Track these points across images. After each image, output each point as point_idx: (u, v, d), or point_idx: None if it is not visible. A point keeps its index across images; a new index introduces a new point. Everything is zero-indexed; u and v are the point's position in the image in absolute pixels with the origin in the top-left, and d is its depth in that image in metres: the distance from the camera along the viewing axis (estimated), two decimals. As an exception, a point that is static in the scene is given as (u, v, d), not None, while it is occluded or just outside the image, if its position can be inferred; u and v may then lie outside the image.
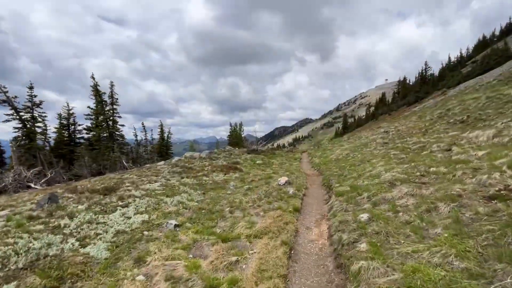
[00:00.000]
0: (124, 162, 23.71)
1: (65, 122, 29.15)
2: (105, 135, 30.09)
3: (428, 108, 33.50)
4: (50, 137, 26.41)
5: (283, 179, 10.47)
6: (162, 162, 16.79)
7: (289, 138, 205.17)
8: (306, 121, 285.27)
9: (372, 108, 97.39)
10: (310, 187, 11.23)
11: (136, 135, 29.40)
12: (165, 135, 41.01)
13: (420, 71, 72.29)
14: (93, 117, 29.86)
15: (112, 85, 30.46)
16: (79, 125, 30.12)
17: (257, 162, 17.73)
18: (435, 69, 73.25)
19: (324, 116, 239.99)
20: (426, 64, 73.99)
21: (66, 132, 29.48)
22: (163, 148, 39.94)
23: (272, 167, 16.23)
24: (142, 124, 29.66)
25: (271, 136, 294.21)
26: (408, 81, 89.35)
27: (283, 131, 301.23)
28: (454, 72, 60.64)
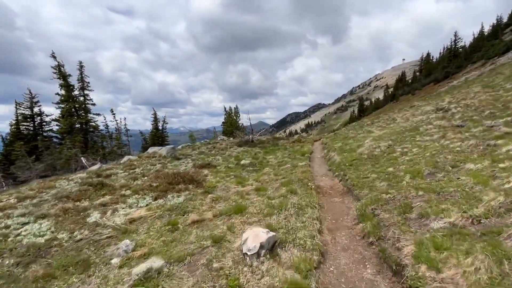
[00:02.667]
0: (84, 161, 17.65)
1: (28, 112, 23.44)
2: (77, 126, 24.30)
3: (476, 79, 24.84)
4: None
5: (253, 239, 3.56)
6: (95, 167, 10.38)
7: (301, 124, 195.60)
8: (318, 106, 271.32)
9: (391, 89, 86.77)
10: (333, 249, 4.25)
11: (107, 126, 23.19)
12: (160, 124, 35.04)
13: (450, 44, 60.89)
14: (62, 105, 24.01)
15: (81, 66, 24.26)
16: (47, 115, 24.37)
17: (242, 162, 10.84)
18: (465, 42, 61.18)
19: (337, 100, 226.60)
20: (455, 35, 62.42)
21: (31, 125, 23.86)
22: (156, 139, 34.06)
23: (261, 173, 9.30)
24: (111, 111, 23.35)
25: (283, 123, 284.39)
26: (431, 58, 78.05)
27: (295, 117, 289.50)
28: (494, 41, 49.60)
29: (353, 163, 9.07)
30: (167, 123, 35.53)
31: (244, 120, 33.82)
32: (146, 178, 8.07)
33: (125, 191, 6.63)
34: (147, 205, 5.80)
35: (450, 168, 5.92)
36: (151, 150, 13.92)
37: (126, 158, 11.71)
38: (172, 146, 12.33)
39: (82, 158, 17.97)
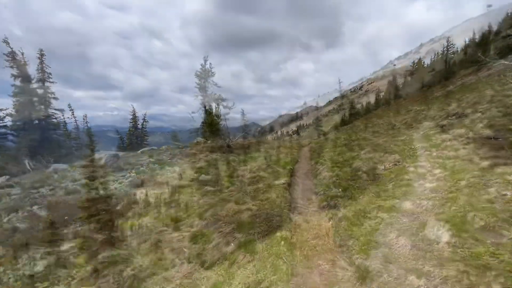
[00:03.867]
0: (28, 163, 14.46)
1: (-23, 105, 19.90)
2: (36, 122, 20.96)
3: (478, 83, 22.73)
4: None
5: None
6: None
7: (293, 126, 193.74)
8: (311, 108, 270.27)
9: (382, 94, 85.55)
10: None
11: (65, 123, 19.90)
12: (139, 122, 31.85)
13: (442, 50, 59.41)
14: (18, 98, 20.61)
15: (42, 55, 20.90)
16: (1, 109, 20.91)
17: (201, 177, 7.97)
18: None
19: (329, 103, 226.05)
20: (448, 41, 60.94)
21: (-19, 120, 20.35)
22: (134, 139, 30.80)
23: (220, 197, 6.49)
24: (69, 106, 20.06)
25: (276, 124, 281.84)
26: (422, 63, 77.28)
27: (287, 119, 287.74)
28: (486, 48, 48.25)
29: (349, 185, 6.36)
30: (147, 121, 32.36)
31: (235, 120, 30.80)
32: (31, 209, 5.14)
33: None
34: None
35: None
36: (98, 155, 10.92)
37: (52, 168, 8.70)
38: (114, 153, 9.38)
39: (26, 161, 14.76)
